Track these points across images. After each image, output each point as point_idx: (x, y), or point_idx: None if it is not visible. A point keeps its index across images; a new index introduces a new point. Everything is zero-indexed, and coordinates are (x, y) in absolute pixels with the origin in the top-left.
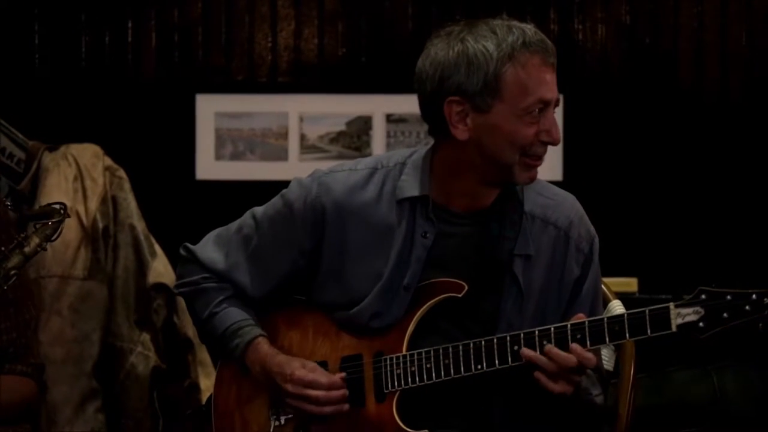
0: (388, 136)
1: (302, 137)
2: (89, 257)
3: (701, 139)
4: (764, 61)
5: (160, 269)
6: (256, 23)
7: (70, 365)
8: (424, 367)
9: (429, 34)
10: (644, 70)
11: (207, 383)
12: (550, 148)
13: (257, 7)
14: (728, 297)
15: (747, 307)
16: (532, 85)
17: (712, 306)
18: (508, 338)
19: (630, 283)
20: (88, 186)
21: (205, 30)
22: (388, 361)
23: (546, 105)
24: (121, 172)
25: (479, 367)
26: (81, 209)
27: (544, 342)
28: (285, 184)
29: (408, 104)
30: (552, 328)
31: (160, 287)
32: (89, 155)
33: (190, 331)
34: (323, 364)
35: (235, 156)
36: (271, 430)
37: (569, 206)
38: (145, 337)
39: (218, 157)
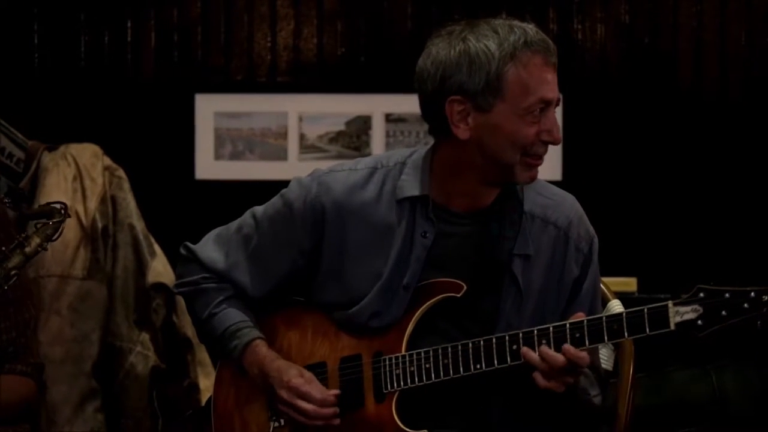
0: (388, 135)
1: (301, 137)
2: (88, 257)
3: (700, 139)
4: (763, 60)
5: (160, 269)
6: (256, 23)
7: (69, 365)
8: (423, 367)
9: (428, 34)
10: (643, 69)
11: (206, 383)
12: (549, 147)
13: (256, 7)
14: (726, 295)
15: (745, 305)
16: (533, 84)
17: (710, 304)
18: (507, 338)
19: (629, 283)
20: (88, 186)
21: (204, 30)
22: (387, 361)
23: (547, 105)
24: (121, 172)
25: (478, 366)
26: (80, 209)
27: (543, 341)
28: (284, 183)
29: (407, 104)
30: (551, 328)
31: (160, 287)
32: (88, 155)
33: (190, 330)
34: (322, 365)
35: (235, 156)
36: (270, 430)
37: (569, 206)
38: (145, 336)
39: (217, 156)
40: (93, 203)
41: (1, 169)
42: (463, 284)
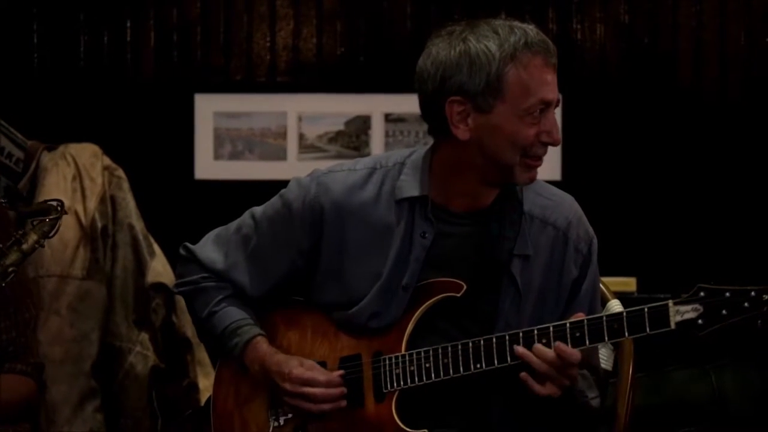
0: (387, 135)
1: (301, 137)
2: (88, 257)
3: (700, 139)
4: (763, 60)
5: (159, 269)
6: (255, 23)
7: (68, 365)
8: (423, 366)
9: (428, 34)
10: (643, 69)
11: (205, 383)
12: (549, 147)
13: (256, 7)
14: (727, 294)
15: (746, 304)
16: (533, 85)
17: (710, 303)
18: (506, 337)
19: (629, 283)
20: (87, 185)
21: (203, 30)
22: (387, 361)
23: (547, 106)
24: (120, 172)
25: (478, 366)
26: (80, 209)
27: (543, 341)
28: (284, 183)
29: (407, 104)
30: (551, 327)
31: (159, 287)
32: (88, 155)
33: (189, 330)
34: (322, 365)
35: (234, 156)
36: (270, 430)
37: (568, 207)
38: (144, 336)
39: (217, 156)
40: (92, 203)
41: (0, 169)
42: (463, 284)
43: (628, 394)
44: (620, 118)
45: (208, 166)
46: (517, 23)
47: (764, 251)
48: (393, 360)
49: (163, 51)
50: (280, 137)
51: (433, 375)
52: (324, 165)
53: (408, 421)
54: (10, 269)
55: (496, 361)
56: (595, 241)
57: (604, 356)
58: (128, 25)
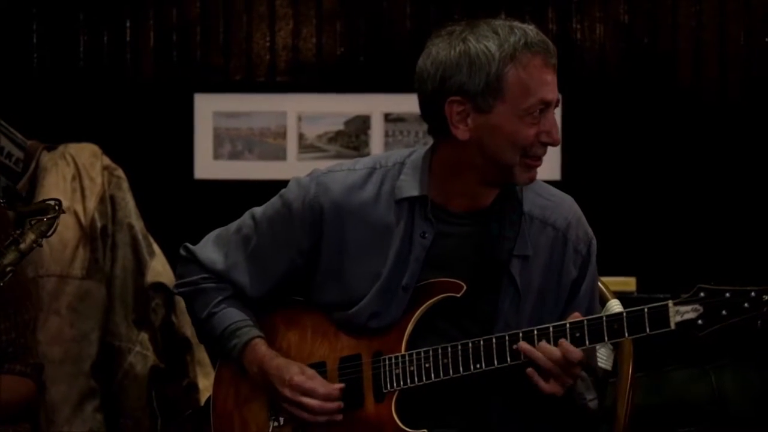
0: (387, 135)
1: (300, 137)
2: (87, 257)
3: (700, 139)
4: (763, 60)
5: (159, 269)
6: (255, 23)
7: (68, 364)
8: (422, 366)
9: (428, 34)
10: (642, 69)
11: (205, 383)
12: (548, 147)
13: (255, 7)
14: (727, 294)
15: (746, 305)
16: (533, 85)
17: (710, 304)
18: (506, 337)
19: (628, 283)
20: (87, 185)
21: (203, 29)
22: (386, 361)
23: (547, 106)
24: (120, 172)
25: (478, 366)
26: (79, 209)
27: (543, 341)
28: (283, 183)
29: (406, 103)
30: (551, 327)
31: (159, 287)
32: (87, 154)
33: (189, 330)
34: (322, 364)
35: (234, 155)
36: (270, 430)
37: (567, 207)
38: (144, 336)
39: (216, 156)
40: (92, 203)
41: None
42: (463, 284)
43: (627, 394)
44: (620, 118)
45: (207, 165)
46: (517, 23)
47: (764, 251)
48: (393, 360)
49: (162, 51)
50: (279, 137)
51: (432, 375)
52: (324, 165)
53: (408, 421)
54: (8, 269)
55: (495, 362)
56: (595, 241)
57: (604, 356)
58: (128, 25)
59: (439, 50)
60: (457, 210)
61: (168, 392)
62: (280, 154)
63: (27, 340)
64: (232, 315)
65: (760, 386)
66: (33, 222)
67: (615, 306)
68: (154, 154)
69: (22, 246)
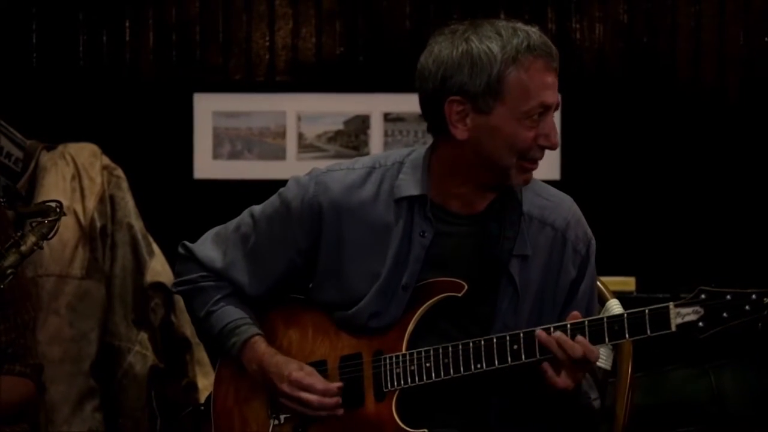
0: (386, 135)
1: (300, 136)
2: (87, 256)
3: (699, 139)
4: (762, 60)
5: (158, 268)
6: (254, 22)
7: (67, 364)
8: (423, 366)
9: (427, 33)
10: (642, 69)
11: (205, 382)
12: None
13: (255, 6)
14: (728, 297)
15: (747, 307)
16: (534, 88)
17: (711, 306)
18: (507, 338)
19: (628, 283)
20: (86, 185)
21: (202, 29)
22: (387, 360)
23: (546, 109)
24: (119, 171)
25: (479, 366)
26: (79, 208)
27: (559, 332)
28: (283, 183)
29: (406, 103)
30: (551, 328)
31: (158, 286)
32: (87, 154)
33: (188, 330)
34: (322, 363)
35: (233, 155)
36: (270, 429)
37: (567, 208)
38: (143, 336)
39: (216, 156)
40: (91, 202)
41: None
42: (464, 284)
43: (627, 393)
44: (619, 118)
45: (207, 165)
46: (520, 25)
47: (764, 251)
48: (393, 359)
49: (162, 50)
50: (279, 137)
51: (433, 375)
52: (323, 164)
53: (408, 421)
54: (9, 271)
55: (496, 362)
56: (594, 242)
57: (603, 356)
58: (127, 24)
59: (442, 49)
60: (456, 209)
61: (167, 392)
62: (279, 154)
63: (26, 341)
64: (231, 313)
65: (760, 386)
66: (34, 224)
67: (614, 306)
68: (153, 153)
69: (23, 248)
